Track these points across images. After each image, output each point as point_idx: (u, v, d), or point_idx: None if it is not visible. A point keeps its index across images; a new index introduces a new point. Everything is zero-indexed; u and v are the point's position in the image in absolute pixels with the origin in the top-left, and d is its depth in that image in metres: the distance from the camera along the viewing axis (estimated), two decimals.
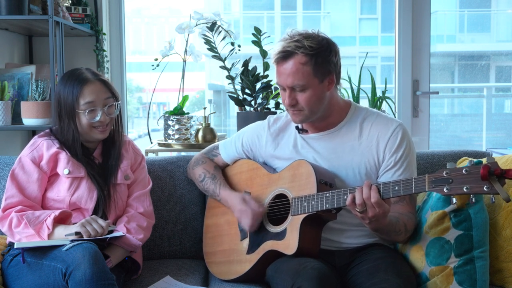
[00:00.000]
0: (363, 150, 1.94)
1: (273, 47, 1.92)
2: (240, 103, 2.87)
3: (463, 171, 1.57)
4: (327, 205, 1.79)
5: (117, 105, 2.05)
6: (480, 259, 1.81)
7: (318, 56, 1.84)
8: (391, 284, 1.70)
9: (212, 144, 2.29)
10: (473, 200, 1.59)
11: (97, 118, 1.99)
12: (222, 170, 2.22)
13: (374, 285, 1.72)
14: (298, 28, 1.94)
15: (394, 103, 3.18)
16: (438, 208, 1.87)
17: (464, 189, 1.56)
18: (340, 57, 1.94)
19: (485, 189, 1.53)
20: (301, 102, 1.88)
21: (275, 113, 2.81)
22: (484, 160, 1.60)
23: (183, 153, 2.89)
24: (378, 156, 1.93)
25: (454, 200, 1.60)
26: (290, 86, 1.87)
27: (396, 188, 1.68)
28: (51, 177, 2.02)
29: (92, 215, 1.97)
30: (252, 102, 2.85)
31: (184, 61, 2.93)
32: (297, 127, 2.03)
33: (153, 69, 2.90)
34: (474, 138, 4.48)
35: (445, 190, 1.59)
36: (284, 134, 2.07)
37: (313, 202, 1.81)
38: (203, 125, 2.84)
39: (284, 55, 1.85)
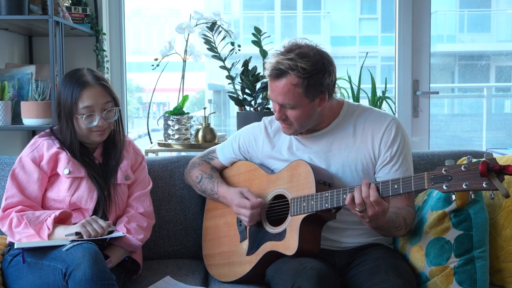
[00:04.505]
0: (358, 147, 1.94)
1: (269, 59, 1.89)
2: (240, 103, 2.87)
3: (462, 168, 1.57)
4: (327, 205, 1.79)
5: (116, 110, 2.04)
6: (480, 259, 1.81)
7: (310, 78, 1.82)
8: (392, 284, 1.70)
9: (209, 148, 2.29)
10: (473, 197, 1.59)
11: (95, 123, 1.98)
12: (220, 172, 2.22)
13: (375, 285, 1.72)
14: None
15: (394, 103, 3.19)
16: (438, 208, 1.87)
17: (463, 185, 1.56)
18: (336, 73, 1.90)
19: (484, 185, 1.54)
20: (290, 117, 1.89)
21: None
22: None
23: (183, 153, 2.89)
24: (373, 152, 1.93)
25: (453, 197, 1.60)
26: (280, 104, 1.87)
27: (395, 186, 1.68)
28: (52, 177, 2.02)
29: (92, 215, 1.97)
30: (252, 102, 2.85)
31: (184, 61, 2.93)
32: None
33: (153, 69, 2.90)
34: (474, 138, 4.48)
35: (444, 187, 1.59)
36: (279, 135, 2.07)
37: (312, 202, 1.81)
38: (203, 125, 2.84)
39: (277, 74, 1.83)
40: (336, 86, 1.97)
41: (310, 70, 1.81)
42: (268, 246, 1.92)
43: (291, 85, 1.82)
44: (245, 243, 2.01)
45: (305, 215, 1.83)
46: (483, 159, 1.55)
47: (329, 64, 1.86)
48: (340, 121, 1.98)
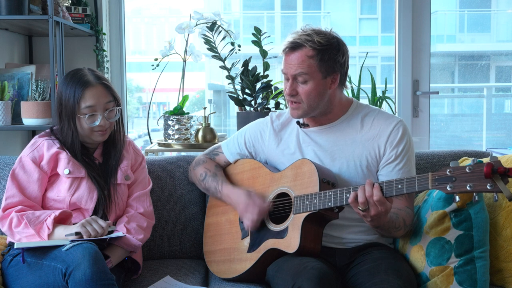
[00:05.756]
0: (365, 143, 1.95)
1: (285, 39, 1.97)
2: (240, 103, 2.87)
3: (467, 170, 1.57)
4: (330, 204, 1.79)
5: (118, 110, 2.04)
6: (480, 259, 1.81)
7: (325, 52, 1.88)
8: (392, 284, 1.70)
9: (214, 145, 2.30)
10: (476, 198, 1.59)
11: (97, 123, 1.98)
12: (224, 170, 2.22)
13: (375, 285, 1.72)
14: (299, 28, 1.96)
15: (394, 103, 3.18)
16: (438, 208, 1.87)
17: (467, 187, 1.56)
18: (348, 60, 1.97)
19: (488, 187, 1.53)
20: (301, 94, 1.91)
21: None
22: (486, 160, 1.60)
23: (183, 153, 2.89)
24: (379, 149, 1.94)
25: (457, 198, 1.60)
26: (293, 75, 1.91)
27: (399, 186, 1.68)
28: (52, 177, 2.02)
29: (92, 215, 1.97)
30: (252, 102, 2.85)
31: (184, 61, 2.93)
32: (298, 122, 2.05)
33: (153, 69, 2.90)
34: (474, 138, 4.48)
35: (448, 188, 1.59)
36: (286, 129, 2.08)
37: (315, 201, 1.82)
38: (203, 125, 2.84)
39: (293, 46, 1.91)
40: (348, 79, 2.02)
41: (325, 44, 1.89)
42: (269, 244, 1.92)
43: (306, 57, 1.89)
44: (247, 240, 2.01)
45: (307, 213, 1.83)
46: (488, 161, 1.55)
47: (343, 45, 1.95)
48: (348, 117, 2.00)
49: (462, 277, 1.80)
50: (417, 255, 1.90)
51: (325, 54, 1.88)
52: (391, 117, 1.99)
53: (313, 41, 1.87)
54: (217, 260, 2.12)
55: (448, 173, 1.60)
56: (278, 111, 2.16)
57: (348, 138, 1.97)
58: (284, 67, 1.94)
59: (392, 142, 1.94)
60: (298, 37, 1.90)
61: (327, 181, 1.86)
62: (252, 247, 1.98)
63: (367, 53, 2.95)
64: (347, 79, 2.02)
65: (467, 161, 2.07)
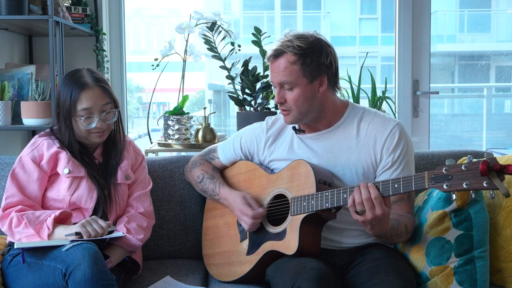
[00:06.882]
0: (360, 150, 1.94)
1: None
2: (240, 103, 2.86)
3: (463, 167, 1.57)
4: (327, 204, 1.78)
5: (116, 112, 2.04)
6: (480, 259, 1.81)
7: (306, 56, 1.86)
8: (392, 285, 1.70)
9: (209, 147, 2.29)
10: (473, 196, 1.59)
11: (93, 125, 1.98)
12: (221, 172, 2.22)
13: (374, 285, 1.72)
14: (298, 28, 1.96)
15: (394, 103, 3.18)
16: (438, 208, 1.87)
17: (463, 185, 1.56)
18: (337, 61, 1.94)
19: (484, 184, 1.53)
20: (289, 101, 1.91)
21: (275, 113, 2.80)
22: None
23: (183, 153, 2.89)
24: (375, 156, 1.93)
25: (454, 196, 1.60)
26: (278, 83, 1.91)
27: (396, 185, 1.68)
28: (51, 177, 2.02)
29: (92, 215, 1.97)
30: (252, 102, 2.85)
31: (184, 61, 2.93)
32: (294, 127, 2.04)
33: (153, 69, 2.90)
34: (474, 138, 4.48)
35: (444, 186, 1.59)
36: (281, 135, 2.08)
37: (312, 202, 1.81)
38: (203, 125, 2.84)
39: (275, 54, 1.90)
40: (340, 79, 1.99)
41: (305, 48, 1.87)
42: (268, 246, 1.92)
43: (288, 63, 1.88)
44: (245, 243, 2.01)
45: (305, 214, 1.83)
46: (484, 158, 1.55)
47: (326, 46, 1.91)
48: (344, 122, 1.98)
49: (462, 277, 1.80)
50: (417, 255, 1.90)
51: (307, 58, 1.86)
52: (387, 120, 1.96)
53: (293, 46, 1.86)
54: (217, 263, 2.12)
55: (444, 172, 1.60)
56: (274, 116, 2.14)
57: (344, 145, 1.96)
58: (270, 76, 1.94)
59: (388, 148, 1.92)
60: (280, 44, 1.89)
61: (324, 181, 1.85)
62: (251, 250, 1.98)
63: (367, 53, 2.94)
64: (343, 78, 2.00)
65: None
